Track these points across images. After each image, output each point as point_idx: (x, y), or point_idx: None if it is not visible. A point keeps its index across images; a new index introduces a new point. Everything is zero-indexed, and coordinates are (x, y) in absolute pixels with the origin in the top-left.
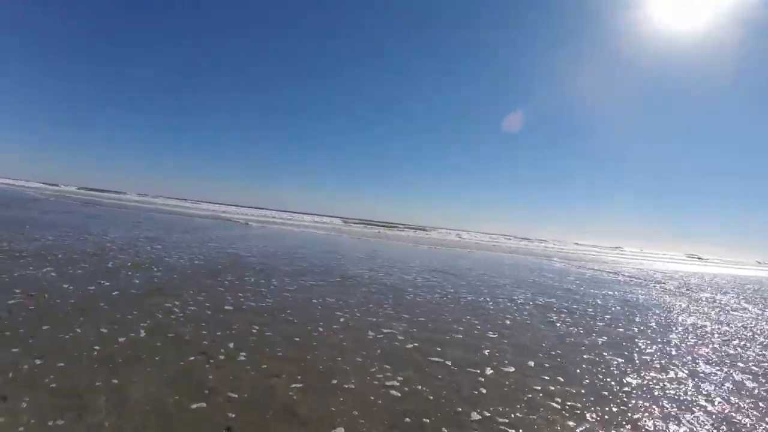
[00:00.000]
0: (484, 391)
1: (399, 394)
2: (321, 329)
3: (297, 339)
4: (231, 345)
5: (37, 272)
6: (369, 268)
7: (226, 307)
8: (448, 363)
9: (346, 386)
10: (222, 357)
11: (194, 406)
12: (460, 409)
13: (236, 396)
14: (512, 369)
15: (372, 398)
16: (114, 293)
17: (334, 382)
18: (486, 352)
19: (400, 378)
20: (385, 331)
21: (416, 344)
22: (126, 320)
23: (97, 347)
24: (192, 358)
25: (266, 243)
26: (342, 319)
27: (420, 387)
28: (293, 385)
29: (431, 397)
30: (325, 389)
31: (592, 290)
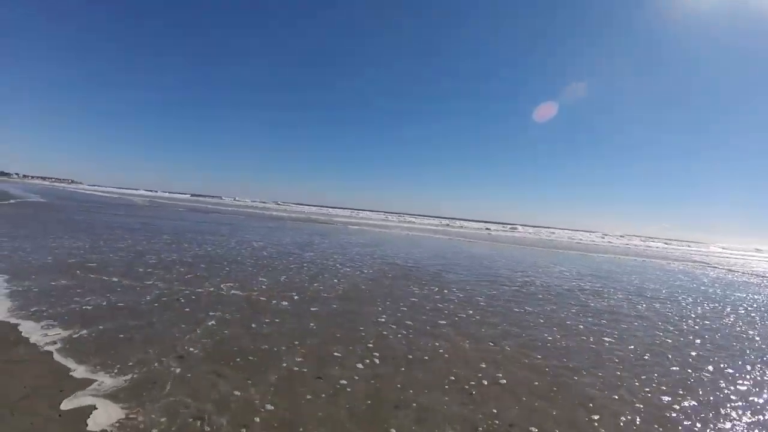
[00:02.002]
0: None
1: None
2: (564, 347)
3: (556, 380)
4: (500, 373)
5: (219, 291)
6: (528, 274)
7: (440, 322)
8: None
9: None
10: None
11: None
12: None
13: None
14: None
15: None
16: (313, 309)
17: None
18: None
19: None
20: (618, 348)
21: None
22: (353, 338)
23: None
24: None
25: (404, 248)
26: (582, 331)
27: None
28: None
29: None
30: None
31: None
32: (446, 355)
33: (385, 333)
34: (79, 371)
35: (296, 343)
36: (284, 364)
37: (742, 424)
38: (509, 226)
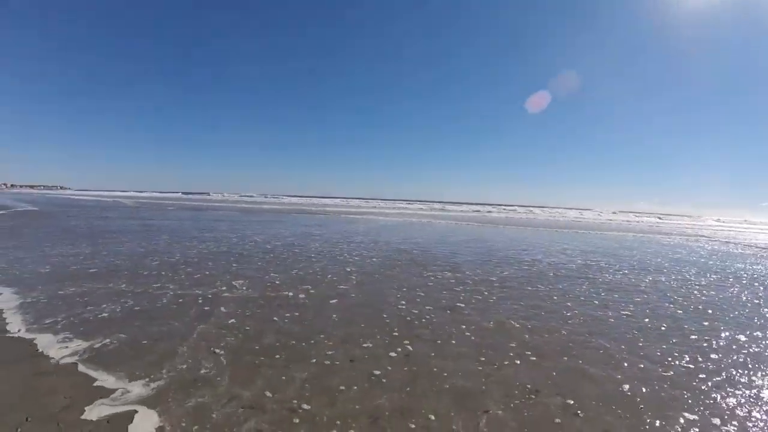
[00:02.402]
0: None
1: None
2: (584, 322)
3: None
4: (529, 351)
5: (233, 288)
6: (533, 254)
7: (459, 305)
8: None
9: None
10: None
11: None
12: None
13: None
14: None
15: None
16: (332, 300)
17: None
18: None
19: None
20: (636, 320)
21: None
22: (378, 326)
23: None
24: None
25: (404, 234)
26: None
27: None
28: None
29: None
30: None
31: None
32: (473, 338)
33: (408, 319)
34: (110, 381)
35: (322, 336)
36: (313, 360)
37: (762, 384)
38: (501, 207)
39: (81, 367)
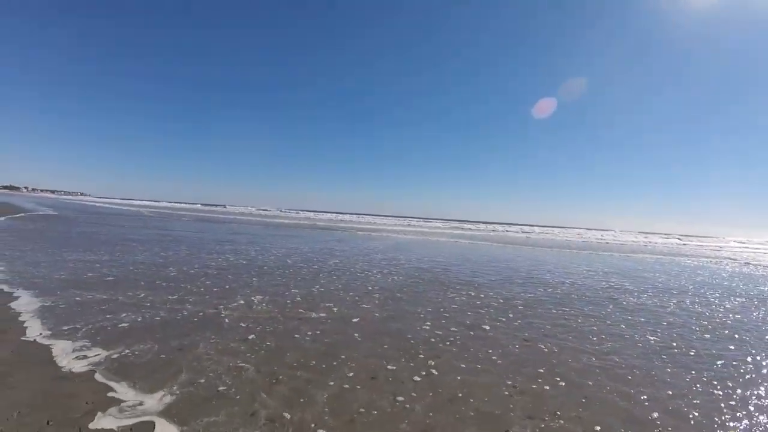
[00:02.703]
0: None
1: None
2: (612, 347)
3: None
4: (557, 378)
5: (252, 304)
6: (556, 275)
7: (485, 326)
8: None
9: None
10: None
11: None
12: None
13: None
14: None
15: None
16: (354, 319)
17: None
18: None
19: None
20: (663, 345)
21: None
22: (402, 348)
23: None
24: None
25: (424, 253)
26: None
27: None
28: None
29: None
30: None
31: None
32: (499, 361)
33: (432, 341)
34: (129, 391)
35: (343, 356)
36: (331, 383)
37: None
38: (519, 226)
39: (100, 376)
